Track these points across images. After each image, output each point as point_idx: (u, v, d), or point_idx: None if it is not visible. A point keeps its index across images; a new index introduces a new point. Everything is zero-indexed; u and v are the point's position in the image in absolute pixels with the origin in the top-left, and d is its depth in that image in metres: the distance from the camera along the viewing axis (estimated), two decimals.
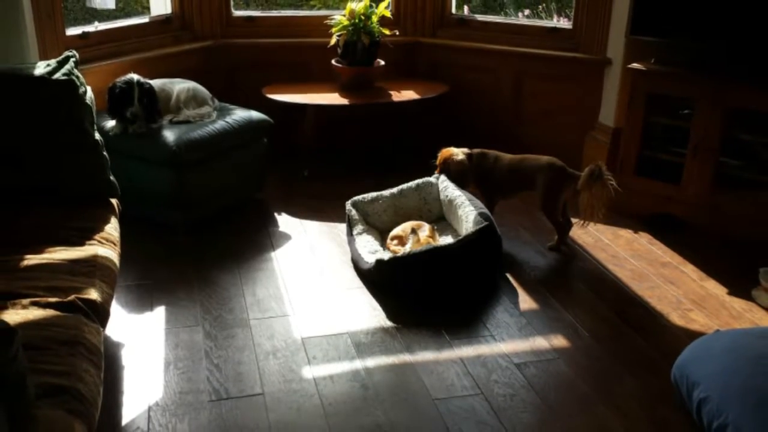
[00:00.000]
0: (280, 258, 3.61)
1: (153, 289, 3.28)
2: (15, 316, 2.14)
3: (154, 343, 2.90)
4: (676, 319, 3.16)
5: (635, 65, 3.99)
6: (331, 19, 4.61)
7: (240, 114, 4.04)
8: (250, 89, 4.59)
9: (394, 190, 3.82)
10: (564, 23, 4.80)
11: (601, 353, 2.92)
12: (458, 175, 3.81)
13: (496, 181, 3.82)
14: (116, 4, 4.99)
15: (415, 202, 3.83)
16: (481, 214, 3.42)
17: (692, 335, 2.91)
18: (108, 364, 2.44)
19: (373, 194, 3.79)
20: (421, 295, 3.27)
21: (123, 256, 2.87)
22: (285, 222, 4.02)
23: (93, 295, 2.36)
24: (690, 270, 3.58)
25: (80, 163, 3.03)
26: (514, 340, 2.98)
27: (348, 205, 3.73)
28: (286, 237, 3.84)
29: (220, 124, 3.88)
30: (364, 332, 3.01)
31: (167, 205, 3.76)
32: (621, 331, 3.08)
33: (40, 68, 3.06)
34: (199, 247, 3.69)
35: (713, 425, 2.32)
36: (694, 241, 3.83)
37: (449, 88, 4.71)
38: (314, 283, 3.38)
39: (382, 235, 3.70)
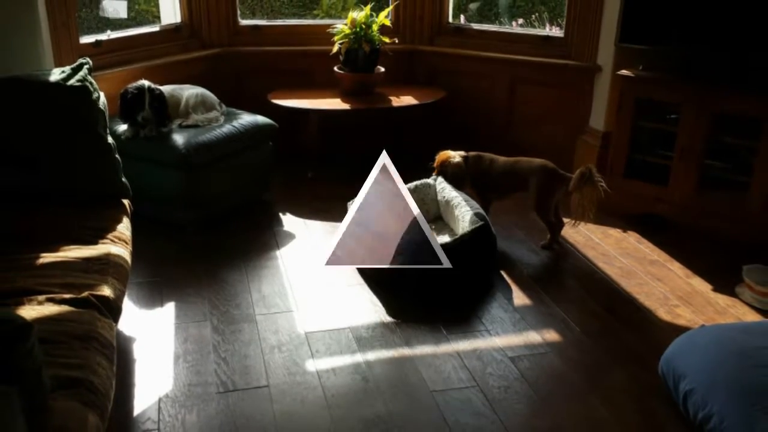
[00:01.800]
0: (284, 256, 3.61)
1: (163, 285, 3.28)
2: (31, 311, 2.14)
3: (165, 337, 2.90)
4: (663, 314, 3.16)
5: (624, 72, 3.99)
6: (334, 27, 4.61)
7: (246, 118, 4.04)
8: (256, 95, 4.58)
9: None
10: (556, 32, 4.79)
11: (591, 347, 2.91)
12: (455, 176, 3.81)
13: (491, 182, 3.82)
14: (128, 14, 4.98)
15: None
16: (476, 214, 3.42)
17: (679, 330, 2.91)
18: (120, 357, 2.44)
19: None
20: (420, 292, 3.27)
21: (135, 254, 2.87)
22: (289, 222, 4.02)
23: (106, 291, 2.36)
24: (676, 268, 3.58)
25: (94, 166, 3.03)
26: (508, 335, 2.97)
27: (350, 205, 3.72)
28: (290, 236, 3.84)
29: (227, 128, 3.87)
30: (365, 327, 3.01)
31: (177, 205, 3.75)
32: (610, 325, 3.08)
33: (56, 75, 3.06)
34: (208, 245, 3.69)
35: (699, 416, 2.32)
36: (680, 240, 3.83)
37: (446, 93, 4.71)
38: (317, 280, 3.38)
39: None
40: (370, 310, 3.14)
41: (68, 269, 2.43)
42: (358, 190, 3.85)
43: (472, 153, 3.86)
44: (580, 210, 3.55)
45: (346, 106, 4.46)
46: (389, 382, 2.66)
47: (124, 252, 2.69)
